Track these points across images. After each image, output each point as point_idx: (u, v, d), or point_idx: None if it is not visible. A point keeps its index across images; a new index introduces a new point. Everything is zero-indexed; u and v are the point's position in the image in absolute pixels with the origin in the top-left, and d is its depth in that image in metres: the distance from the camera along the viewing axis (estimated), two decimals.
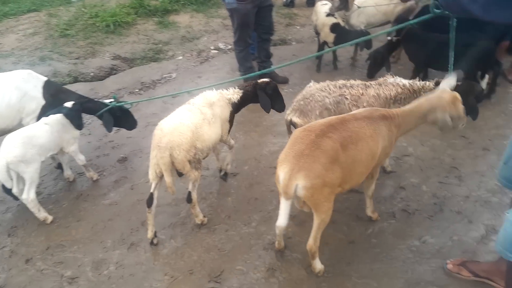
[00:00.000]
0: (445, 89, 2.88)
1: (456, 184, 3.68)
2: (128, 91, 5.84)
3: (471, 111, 3.37)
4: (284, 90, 5.46)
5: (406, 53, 5.28)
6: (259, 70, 5.76)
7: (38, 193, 3.75)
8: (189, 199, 3.22)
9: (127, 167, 4.18)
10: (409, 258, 2.97)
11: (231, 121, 3.55)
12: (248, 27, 5.14)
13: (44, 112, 3.63)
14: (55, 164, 4.11)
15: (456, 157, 4.02)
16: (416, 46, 4.88)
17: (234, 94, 3.50)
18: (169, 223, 3.43)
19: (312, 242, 2.65)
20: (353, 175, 2.62)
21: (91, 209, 3.64)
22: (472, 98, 3.37)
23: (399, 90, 3.34)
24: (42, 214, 3.43)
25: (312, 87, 3.50)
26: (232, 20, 5.23)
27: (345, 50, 6.39)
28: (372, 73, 4.99)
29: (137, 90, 5.88)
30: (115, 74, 6.40)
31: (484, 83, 4.73)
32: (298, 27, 7.99)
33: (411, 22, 2.55)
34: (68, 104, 3.53)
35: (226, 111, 3.46)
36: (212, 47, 7.20)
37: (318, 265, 2.80)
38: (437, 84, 3.31)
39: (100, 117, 3.73)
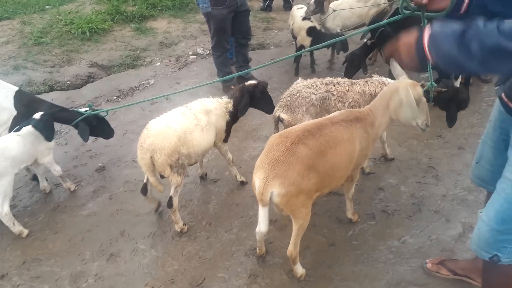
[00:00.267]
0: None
1: (434, 183, 3.73)
2: (106, 99, 5.76)
3: (449, 118, 3.40)
4: None
5: (382, 55, 5.36)
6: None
7: (13, 206, 3.68)
8: (169, 204, 3.18)
9: (105, 176, 4.11)
10: (390, 259, 2.99)
11: (227, 130, 3.54)
12: (225, 32, 5.13)
13: (16, 123, 3.54)
14: (30, 176, 4.01)
15: (433, 157, 4.09)
16: None
17: (228, 103, 3.48)
18: (149, 232, 3.38)
19: (292, 248, 2.64)
20: (332, 180, 2.61)
21: (69, 220, 3.57)
22: (453, 105, 3.36)
23: (384, 88, 3.39)
24: (17, 227, 3.34)
25: (299, 83, 3.56)
26: (208, 25, 5.22)
27: (322, 54, 6.45)
28: (349, 75, 5.04)
29: (115, 97, 5.81)
30: (92, 82, 6.31)
31: (457, 83, 4.83)
32: (276, 31, 8.03)
33: (381, 23, 2.57)
34: (37, 115, 3.43)
35: (223, 120, 3.45)
36: (190, 53, 7.17)
37: (299, 269, 2.80)
38: (421, 87, 3.34)
39: (75, 126, 3.66)
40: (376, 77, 3.59)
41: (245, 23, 5.37)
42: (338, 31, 5.84)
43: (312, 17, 5.76)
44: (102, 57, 6.89)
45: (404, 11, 2.04)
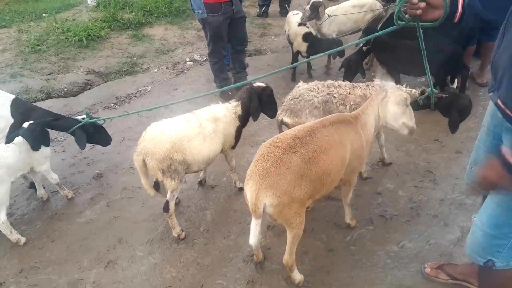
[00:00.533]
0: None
1: (432, 187, 3.74)
2: (103, 106, 5.76)
3: (451, 123, 3.39)
4: None
5: (377, 61, 5.39)
6: (234, 80, 5.78)
7: (10, 214, 3.67)
8: (165, 208, 3.18)
9: (102, 183, 4.10)
10: (388, 264, 2.99)
11: (237, 136, 3.53)
12: (221, 39, 5.15)
13: (13, 131, 3.53)
14: (27, 184, 4.00)
15: (431, 161, 4.10)
16: (386, 53, 4.99)
17: (236, 106, 3.47)
18: (147, 239, 3.37)
19: (287, 256, 2.63)
20: (324, 185, 2.58)
21: (66, 228, 3.55)
22: (455, 111, 3.35)
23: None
24: (14, 236, 3.33)
25: (301, 87, 3.58)
26: (205, 32, 5.24)
27: (319, 59, 6.47)
28: (349, 79, 5.07)
29: (112, 104, 5.81)
30: (89, 89, 6.31)
31: (453, 86, 4.86)
32: (272, 37, 8.07)
33: (376, 34, 2.58)
34: (25, 124, 3.41)
35: (232, 126, 3.45)
36: (187, 59, 7.19)
37: (297, 276, 2.79)
38: (422, 93, 3.36)
39: (72, 134, 3.65)
40: (377, 81, 3.60)
41: (241, 29, 5.39)
42: (334, 36, 5.87)
43: (308, 23, 5.79)
44: (99, 64, 6.90)
45: (399, 22, 2.06)
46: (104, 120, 3.75)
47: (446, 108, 3.39)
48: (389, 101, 2.76)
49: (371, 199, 3.64)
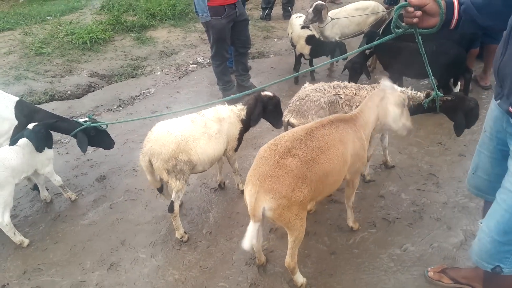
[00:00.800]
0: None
1: (435, 190, 3.73)
2: (107, 108, 5.78)
3: (457, 127, 3.37)
4: None
5: (380, 63, 5.39)
6: (237, 83, 5.79)
7: (14, 216, 3.68)
8: (170, 209, 3.18)
9: (105, 185, 4.11)
10: (391, 267, 2.98)
11: (240, 139, 3.55)
12: (224, 42, 5.16)
13: (17, 132, 3.55)
14: (31, 186, 4.01)
15: (434, 164, 4.09)
16: (389, 55, 4.99)
17: (241, 110, 3.49)
18: (150, 241, 3.38)
19: (289, 259, 2.61)
20: (325, 186, 2.57)
21: (70, 230, 3.56)
22: (461, 114, 3.32)
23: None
24: (18, 237, 3.34)
25: (307, 88, 3.59)
26: (208, 35, 5.25)
27: (321, 62, 6.45)
28: (354, 81, 5.07)
29: (115, 107, 5.83)
30: (93, 91, 6.34)
31: (456, 90, 4.85)
32: (275, 39, 8.08)
33: (375, 43, 2.59)
34: (30, 126, 3.43)
35: (236, 128, 3.46)
36: (190, 62, 7.21)
37: (299, 279, 2.78)
38: (427, 96, 3.36)
39: (75, 136, 3.67)
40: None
41: (244, 32, 5.40)
42: (337, 39, 5.87)
43: (310, 25, 5.80)
44: (102, 67, 6.93)
45: (396, 30, 2.07)
46: (107, 124, 3.76)
47: (452, 111, 3.38)
48: (388, 103, 2.75)
49: (374, 202, 3.63)
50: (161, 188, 3.41)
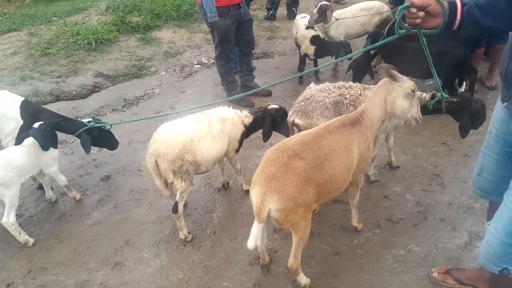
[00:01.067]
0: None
1: (439, 191, 3.71)
2: (111, 109, 5.80)
3: (462, 128, 3.35)
4: (267, 102, 5.50)
5: (385, 62, 5.37)
6: (241, 83, 5.80)
7: (19, 215, 3.70)
8: (174, 209, 3.19)
9: (110, 185, 4.13)
10: (395, 268, 2.97)
11: (240, 141, 3.56)
12: (229, 42, 5.17)
13: (23, 132, 3.58)
14: (36, 185, 4.04)
15: (438, 165, 4.07)
16: (394, 55, 4.97)
17: (247, 117, 3.53)
18: (154, 241, 3.39)
19: (292, 260, 2.62)
20: (330, 191, 2.57)
21: (74, 229, 3.58)
22: (466, 116, 3.30)
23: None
24: (23, 237, 3.36)
25: (312, 88, 3.59)
26: (212, 35, 5.26)
27: (326, 62, 6.46)
28: (358, 81, 5.06)
29: (120, 107, 5.85)
30: (97, 91, 6.36)
31: (462, 90, 4.83)
32: (279, 40, 8.07)
33: (379, 44, 2.57)
34: (36, 124, 3.46)
35: (238, 130, 3.48)
36: (195, 62, 7.22)
37: (303, 279, 2.78)
38: (433, 97, 3.34)
39: (79, 137, 3.68)
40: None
41: (249, 32, 5.41)
42: (342, 39, 5.87)
43: (315, 26, 5.79)
44: (107, 67, 6.95)
45: (400, 30, 2.07)
46: (111, 125, 3.77)
47: (458, 112, 3.36)
48: (397, 96, 2.69)
49: (378, 203, 3.62)
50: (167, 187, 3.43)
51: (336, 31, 5.91)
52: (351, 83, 3.61)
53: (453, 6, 1.89)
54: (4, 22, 8.71)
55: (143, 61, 7.24)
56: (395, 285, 2.84)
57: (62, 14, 8.98)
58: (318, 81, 6.03)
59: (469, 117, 3.31)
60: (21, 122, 3.65)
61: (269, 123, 3.54)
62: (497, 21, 1.82)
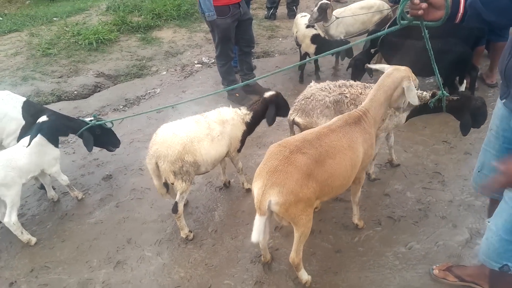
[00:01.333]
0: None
1: (440, 189, 3.72)
2: (113, 108, 5.82)
3: (463, 126, 3.36)
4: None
5: (385, 60, 5.37)
6: (242, 82, 5.80)
7: (21, 215, 3.72)
8: (174, 210, 3.21)
9: (112, 185, 4.14)
10: (396, 265, 2.98)
11: (242, 141, 3.56)
12: (229, 41, 5.18)
13: (25, 132, 3.60)
14: (38, 185, 4.06)
15: (439, 162, 4.08)
16: (394, 53, 4.97)
17: (247, 115, 3.53)
18: (156, 239, 3.40)
19: (294, 255, 2.63)
20: (332, 188, 2.58)
21: (76, 228, 3.60)
22: (467, 114, 3.30)
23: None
24: (25, 236, 3.38)
25: (313, 87, 3.60)
26: (213, 35, 5.27)
27: (327, 60, 6.47)
28: (356, 79, 5.06)
29: (121, 107, 5.87)
30: (99, 91, 6.37)
31: (462, 88, 4.83)
32: (280, 39, 8.08)
33: (379, 34, 2.57)
34: (41, 119, 3.46)
35: (239, 130, 3.48)
36: (195, 62, 7.23)
37: (304, 276, 2.79)
38: (433, 95, 3.34)
39: (81, 136, 3.69)
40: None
41: (248, 31, 5.42)
42: (342, 38, 5.87)
43: (316, 24, 5.80)
44: (108, 67, 6.97)
45: (402, 21, 2.06)
46: (112, 122, 3.79)
47: (459, 110, 3.36)
48: (407, 86, 2.69)
49: (379, 201, 3.63)
50: (167, 187, 3.43)
51: (337, 30, 5.91)
52: (352, 82, 3.61)
53: None
54: (5, 22, 8.74)
55: (144, 61, 7.25)
56: (396, 282, 2.85)
57: (63, 15, 9.00)
58: (319, 79, 6.03)
59: (470, 115, 3.31)
60: (23, 122, 3.67)
61: (273, 109, 3.53)
62: (499, 15, 1.82)
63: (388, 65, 2.97)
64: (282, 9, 9.26)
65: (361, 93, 3.46)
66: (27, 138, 3.40)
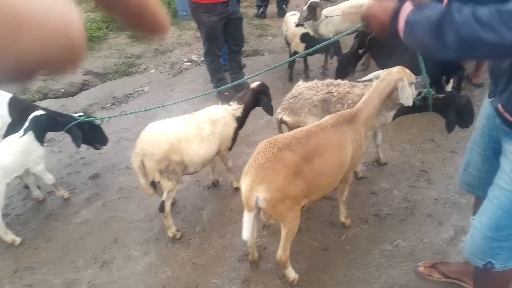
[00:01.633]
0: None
1: (426, 187, 3.76)
2: (100, 106, 5.76)
3: (448, 124, 3.40)
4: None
5: (374, 60, 5.41)
6: (231, 81, 5.79)
7: (6, 215, 3.67)
8: (161, 209, 3.19)
9: (99, 183, 4.11)
10: (382, 263, 3.01)
11: (234, 138, 3.55)
12: (216, 39, 5.16)
13: (11, 129, 3.54)
14: (23, 184, 4.00)
15: (426, 161, 4.11)
16: (382, 53, 5.00)
17: (238, 109, 3.50)
18: (143, 239, 3.38)
19: (281, 252, 2.64)
20: (320, 187, 2.61)
21: (62, 228, 3.56)
22: (452, 111, 3.34)
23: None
24: (9, 236, 3.33)
25: (301, 85, 3.60)
26: (200, 32, 5.26)
27: (316, 59, 6.48)
28: (341, 77, 5.07)
29: (109, 105, 5.81)
30: (86, 89, 6.30)
31: (449, 88, 4.87)
32: (270, 37, 8.07)
33: (358, 27, 2.57)
34: (32, 115, 3.43)
35: (230, 128, 3.46)
36: (185, 60, 7.19)
37: (291, 274, 2.80)
38: (418, 94, 3.36)
39: (69, 132, 3.65)
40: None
41: (238, 30, 5.40)
42: (331, 36, 5.88)
43: (305, 23, 5.80)
44: (96, 65, 6.90)
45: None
46: (102, 120, 3.75)
47: (444, 108, 3.39)
48: (405, 85, 2.74)
49: (366, 199, 3.66)
50: (154, 186, 3.41)
51: (326, 29, 5.92)
52: (339, 81, 3.63)
53: None
54: None
55: (132, 59, 7.20)
56: (382, 280, 2.88)
57: None
58: (307, 78, 6.04)
59: (456, 112, 3.35)
60: (9, 119, 3.61)
61: (265, 98, 3.56)
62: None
63: (381, 71, 3.01)
64: (272, 8, 9.25)
65: (348, 92, 3.47)
66: (13, 136, 3.37)
